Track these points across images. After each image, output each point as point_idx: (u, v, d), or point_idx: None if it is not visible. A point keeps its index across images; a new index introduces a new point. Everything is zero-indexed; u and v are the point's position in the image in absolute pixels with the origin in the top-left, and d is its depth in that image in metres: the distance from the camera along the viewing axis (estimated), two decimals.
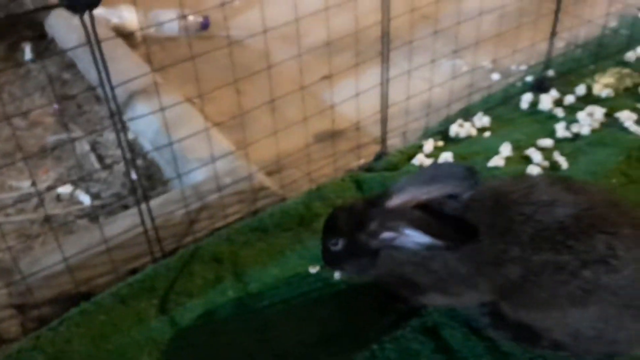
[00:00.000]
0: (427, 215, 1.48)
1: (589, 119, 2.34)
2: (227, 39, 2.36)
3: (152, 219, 1.74)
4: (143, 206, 1.70)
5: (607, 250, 1.38)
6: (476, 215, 1.49)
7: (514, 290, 1.47)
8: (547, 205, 1.44)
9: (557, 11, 2.40)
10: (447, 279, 1.55)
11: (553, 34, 2.48)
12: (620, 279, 1.38)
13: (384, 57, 2.01)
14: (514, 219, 1.45)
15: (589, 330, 1.45)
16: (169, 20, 2.96)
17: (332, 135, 2.29)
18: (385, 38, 1.97)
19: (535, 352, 1.55)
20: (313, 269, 1.81)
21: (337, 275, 1.78)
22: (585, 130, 2.30)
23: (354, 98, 2.12)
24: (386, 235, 1.52)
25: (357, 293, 1.75)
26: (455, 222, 1.48)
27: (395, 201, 1.54)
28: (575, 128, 2.31)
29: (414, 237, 1.47)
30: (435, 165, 2.00)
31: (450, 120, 2.41)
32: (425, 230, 1.45)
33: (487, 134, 2.36)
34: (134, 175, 1.75)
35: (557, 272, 1.41)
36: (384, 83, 2.06)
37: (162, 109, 1.69)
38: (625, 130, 2.29)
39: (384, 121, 2.15)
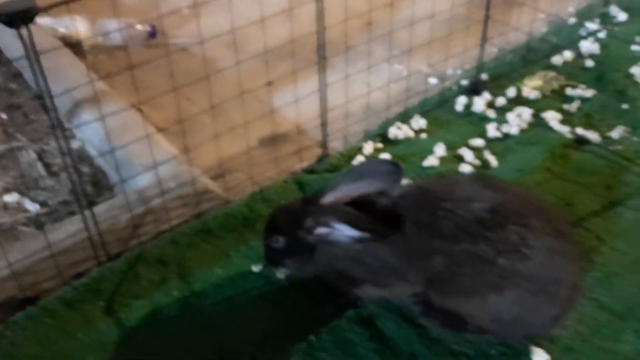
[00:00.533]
0: (356, 210, 1.59)
1: (517, 120, 2.50)
2: (168, 48, 2.42)
3: (96, 224, 1.79)
4: (87, 212, 1.75)
5: (519, 240, 1.51)
6: (404, 211, 1.60)
7: (440, 280, 1.59)
8: (466, 200, 1.57)
9: (486, 19, 2.55)
10: (379, 272, 1.66)
11: (484, 40, 2.63)
12: (532, 266, 1.52)
13: (321, 64, 2.11)
14: (437, 214, 1.57)
15: (507, 315, 1.58)
16: (115, 30, 2.99)
17: (276, 139, 2.38)
18: (321, 46, 2.07)
19: (462, 337, 1.68)
20: (256, 268, 1.89)
21: (280, 274, 1.86)
22: (514, 130, 2.46)
23: (297, 103, 2.22)
24: (320, 230, 1.62)
25: (298, 289, 1.84)
26: (382, 216, 1.59)
27: (328, 198, 1.64)
28: (505, 128, 2.46)
29: (345, 232, 1.58)
30: (364, 163, 2.11)
31: (389, 123, 2.52)
32: (354, 224, 1.56)
33: (423, 135, 2.49)
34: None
35: (475, 261, 1.53)
36: (322, 89, 2.16)
37: (102, 117, 1.74)
38: (550, 129, 2.46)
39: (324, 125, 2.25)
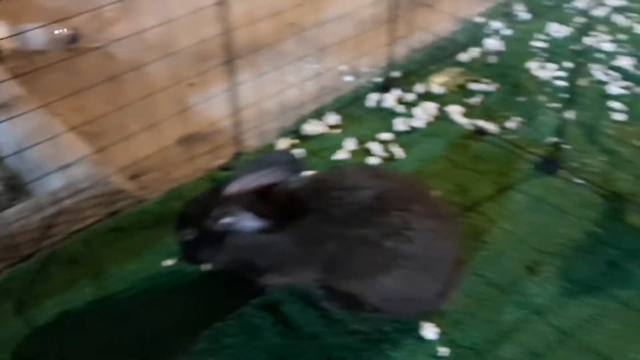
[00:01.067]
0: (258, 199, 1.69)
1: (424, 114, 2.66)
2: (90, 51, 2.43)
3: (7, 226, 1.83)
4: None
5: (402, 224, 1.65)
6: (305, 201, 1.71)
7: (335, 264, 1.71)
8: (354, 189, 1.69)
9: (395, 19, 2.70)
10: (282, 261, 1.76)
11: (395, 39, 2.78)
12: (415, 247, 1.65)
13: (230, 65, 2.20)
14: (330, 202, 1.69)
15: (396, 293, 1.70)
16: (36, 34, 2.99)
17: (193, 138, 2.46)
18: (228, 47, 2.16)
19: (360, 316, 1.80)
20: (168, 262, 1.97)
21: (204, 267, 1.94)
22: (420, 123, 2.62)
23: (216, 102, 2.30)
24: (225, 220, 1.71)
25: (209, 281, 1.93)
26: (283, 206, 1.70)
27: (233, 188, 1.73)
28: (412, 122, 2.62)
29: (248, 221, 1.68)
30: (264, 155, 2.22)
31: (304, 119, 2.64)
32: (255, 213, 1.65)
33: (337, 130, 2.61)
34: None
35: (364, 245, 1.65)
36: (233, 88, 2.25)
37: (9, 118, 1.78)
38: (453, 122, 2.63)
39: (238, 123, 2.35)
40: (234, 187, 1.73)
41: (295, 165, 1.77)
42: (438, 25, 3.16)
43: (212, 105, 2.35)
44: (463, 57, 3.06)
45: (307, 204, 1.70)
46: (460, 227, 1.80)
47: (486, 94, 2.80)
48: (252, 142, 2.50)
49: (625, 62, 2.98)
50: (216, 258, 1.81)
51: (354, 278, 1.71)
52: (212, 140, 2.46)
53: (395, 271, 1.67)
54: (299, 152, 2.46)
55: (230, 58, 2.20)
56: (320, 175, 1.83)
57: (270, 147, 2.48)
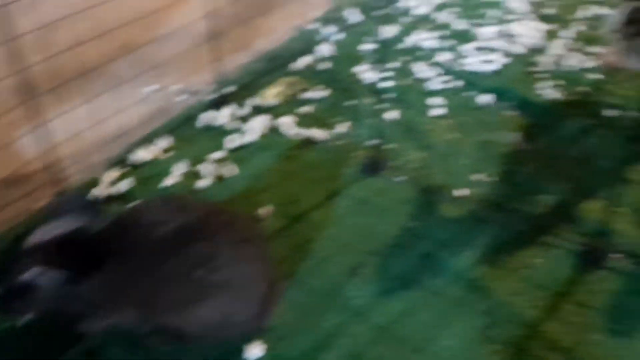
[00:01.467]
0: (57, 250, 1.63)
1: (256, 128, 2.69)
2: None
3: None
4: None
5: (208, 254, 1.67)
6: (107, 243, 1.68)
7: (149, 302, 1.70)
8: (158, 224, 1.69)
9: (222, 34, 2.71)
10: (95, 306, 1.72)
11: (229, 53, 2.79)
12: (223, 274, 1.67)
13: (35, 100, 2.11)
14: (135, 240, 1.68)
15: (215, 321, 1.71)
16: None
17: (10, 181, 2.33)
18: (26, 85, 2.07)
19: (185, 347, 1.80)
20: None
21: (20, 320, 1.85)
22: (253, 138, 2.65)
23: (35, 139, 2.20)
24: (27, 275, 1.64)
25: (26, 334, 1.84)
26: (83, 252, 1.66)
27: (32, 239, 1.67)
28: (245, 138, 2.65)
29: (49, 273, 1.62)
30: (57, 200, 2.17)
31: (134, 146, 2.58)
32: (54, 265, 1.61)
33: (169, 154, 2.58)
34: None
35: (174, 279, 1.66)
36: (46, 125, 2.16)
37: None
38: (285, 133, 2.68)
39: (58, 160, 2.26)
40: (33, 238, 1.67)
41: (91, 208, 1.74)
42: (271, 35, 3.20)
43: (30, 143, 2.23)
44: (296, 65, 3.12)
45: (110, 246, 1.67)
46: (269, 247, 1.85)
47: (318, 101, 2.88)
48: (76, 177, 2.40)
49: (446, 57, 3.19)
50: (29, 310, 1.74)
51: (170, 312, 1.70)
52: (30, 181, 2.33)
53: (207, 300, 1.68)
54: (127, 181, 2.41)
55: (33, 94, 2.10)
56: (122, 214, 1.80)
57: (96, 181, 2.40)
